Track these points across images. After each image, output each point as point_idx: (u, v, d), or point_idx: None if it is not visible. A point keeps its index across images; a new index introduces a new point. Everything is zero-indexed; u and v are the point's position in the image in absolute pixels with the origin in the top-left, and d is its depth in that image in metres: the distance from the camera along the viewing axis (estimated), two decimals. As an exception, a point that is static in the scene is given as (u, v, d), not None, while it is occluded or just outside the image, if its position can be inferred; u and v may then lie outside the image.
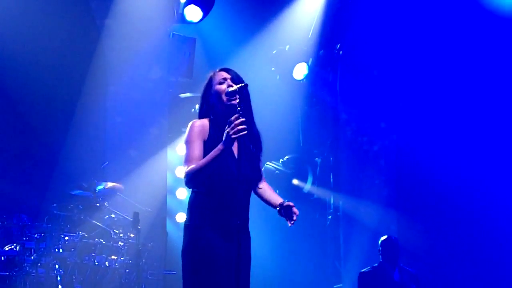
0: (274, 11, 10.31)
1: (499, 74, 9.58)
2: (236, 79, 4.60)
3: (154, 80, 9.57)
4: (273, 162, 10.60)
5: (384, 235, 8.28)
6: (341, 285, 10.28)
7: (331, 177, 10.68)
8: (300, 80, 10.56)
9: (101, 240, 8.37)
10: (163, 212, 9.45)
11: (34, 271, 7.64)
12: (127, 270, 8.32)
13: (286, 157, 10.75)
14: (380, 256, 8.08)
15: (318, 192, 10.74)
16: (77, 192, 8.45)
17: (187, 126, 4.55)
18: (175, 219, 10.08)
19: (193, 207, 4.50)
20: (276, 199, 4.68)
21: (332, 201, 10.64)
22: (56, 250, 7.95)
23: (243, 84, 4.48)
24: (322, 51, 10.56)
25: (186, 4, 9.35)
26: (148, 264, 8.76)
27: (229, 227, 4.39)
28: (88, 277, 8.14)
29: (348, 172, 10.54)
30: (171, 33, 9.62)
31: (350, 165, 10.54)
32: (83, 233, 8.26)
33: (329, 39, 10.48)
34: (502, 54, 9.53)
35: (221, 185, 4.43)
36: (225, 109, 4.54)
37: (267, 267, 10.18)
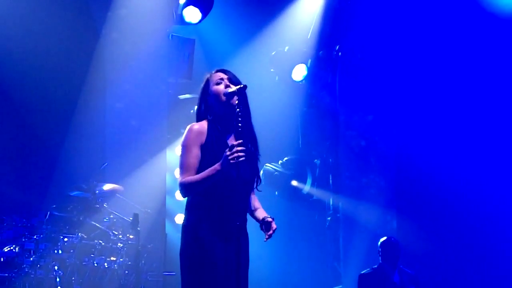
0: (273, 12, 10.32)
1: (499, 74, 9.58)
2: (233, 79, 4.61)
3: (153, 81, 9.56)
4: (272, 163, 10.60)
5: (384, 236, 8.29)
6: (340, 286, 10.27)
7: (331, 178, 10.68)
8: (299, 81, 10.56)
9: (100, 241, 8.37)
10: (163, 214, 9.45)
11: (33, 272, 7.63)
12: (127, 271, 8.32)
13: (286, 158, 10.75)
14: (380, 258, 8.08)
15: (318, 193, 10.74)
16: (76, 193, 8.45)
17: (186, 127, 4.55)
18: (174, 220, 10.08)
19: (191, 208, 4.50)
20: (260, 213, 4.67)
21: (331, 203, 10.64)
22: (56, 251, 7.94)
23: (242, 85, 4.50)
24: (321, 52, 10.56)
25: (185, 5, 9.35)
26: (147, 265, 8.76)
27: (228, 228, 4.39)
28: (88, 278, 8.13)
29: (348, 173, 10.54)
30: (170, 35, 9.62)
31: (349, 166, 10.54)
32: (82, 234, 8.26)
33: (328, 40, 10.48)
34: (501, 55, 9.53)
35: (220, 186, 4.42)
36: (224, 110, 4.55)
37: (267, 269, 10.18)
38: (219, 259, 4.37)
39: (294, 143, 10.84)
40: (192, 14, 9.38)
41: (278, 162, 10.67)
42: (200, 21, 9.45)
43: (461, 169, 9.62)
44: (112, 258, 8.33)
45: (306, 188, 10.78)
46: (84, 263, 8.13)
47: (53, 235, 8.01)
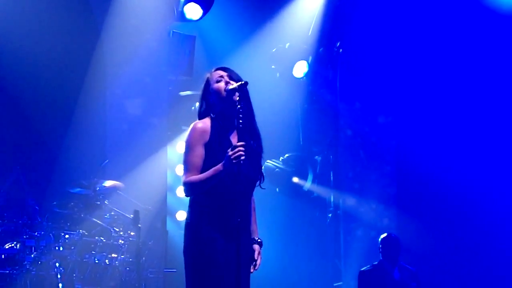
0: (274, 9, 10.30)
1: (499, 72, 9.58)
2: (234, 76, 4.61)
3: (154, 78, 9.56)
4: (273, 160, 10.59)
5: (384, 233, 8.29)
6: (341, 283, 10.28)
7: (331, 175, 10.68)
8: (300, 78, 10.55)
9: (101, 238, 8.38)
10: (164, 210, 9.45)
11: (34, 269, 7.64)
12: (128, 268, 8.33)
13: (286, 155, 10.74)
14: (380, 254, 8.09)
15: (318, 190, 10.74)
16: (77, 190, 8.45)
17: (187, 124, 4.56)
18: (175, 217, 10.06)
19: (194, 205, 4.50)
20: (252, 230, 4.68)
21: (332, 199, 10.64)
22: (57, 248, 7.95)
23: (243, 82, 4.50)
24: (322, 49, 10.55)
25: (186, 2, 9.33)
26: (148, 262, 8.77)
27: (230, 226, 4.38)
28: (88, 275, 8.14)
29: (348, 170, 10.54)
30: (171, 31, 9.61)
31: (350, 163, 10.54)
32: (83, 231, 8.27)
33: (329, 37, 10.48)
34: (502, 54, 9.52)
35: (223, 184, 4.42)
36: (225, 107, 4.54)
37: (267, 265, 10.15)
38: (222, 257, 4.37)
39: (294, 140, 10.83)
40: (193, 11, 9.36)
41: (279, 158, 10.66)
42: (201, 17, 9.43)
43: (462, 166, 9.63)
44: (113, 255, 8.34)
45: (307, 185, 10.77)
46: (85, 260, 8.13)
47: (54, 232, 8.01)
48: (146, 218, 8.77)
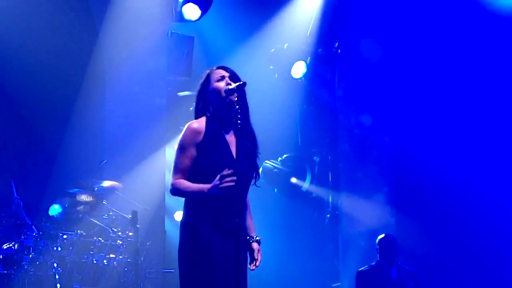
0: (272, 9, 10.31)
1: (498, 72, 9.58)
2: (234, 77, 4.62)
3: (152, 78, 9.56)
4: (271, 160, 10.60)
5: (382, 234, 8.29)
6: (339, 283, 10.28)
7: (330, 175, 10.68)
8: (299, 78, 10.56)
9: (99, 238, 8.38)
10: (162, 211, 9.46)
11: (32, 269, 7.64)
12: (126, 269, 8.33)
13: (285, 155, 10.74)
14: (378, 255, 8.09)
15: (317, 190, 10.74)
16: (75, 190, 8.45)
17: (185, 124, 4.56)
18: (174, 217, 10.06)
19: (190, 204, 4.51)
20: (249, 228, 4.70)
21: (330, 200, 10.64)
22: (55, 248, 7.95)
23: (241, 82, 4.50)
24: (320, 49, 10.56)
25: (184, 2, 9.33)
26: (146, 262, 8.77)
27: (227, 225, 4.39)
28: (87, 275, 8.15)
29: (347, 170, 10.54)
30: (169, 32, 9.62)
31: (348, 163, 10.54)
32: (81, 232, 8.28)
33: (327, 38, 10.48)
34: (501, 54, 9.53)
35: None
36: (223, 106, 4.55)
37: (265, 266, 10.15)
38: (218, 256, 4.37)
39: (293, 140, 10.83)
40: (191, 11, 9.37)
41: (277, 159, 10.67)
42: (199, 18, 9.44)
43: (460, 166, 9.63)
44: (111, 255, 8.34)
45: (305, 185, 10.77)
46: (83, 260, 8.14)
47: (52, 232, 8.02)
48: (144, 218, 8.77)
